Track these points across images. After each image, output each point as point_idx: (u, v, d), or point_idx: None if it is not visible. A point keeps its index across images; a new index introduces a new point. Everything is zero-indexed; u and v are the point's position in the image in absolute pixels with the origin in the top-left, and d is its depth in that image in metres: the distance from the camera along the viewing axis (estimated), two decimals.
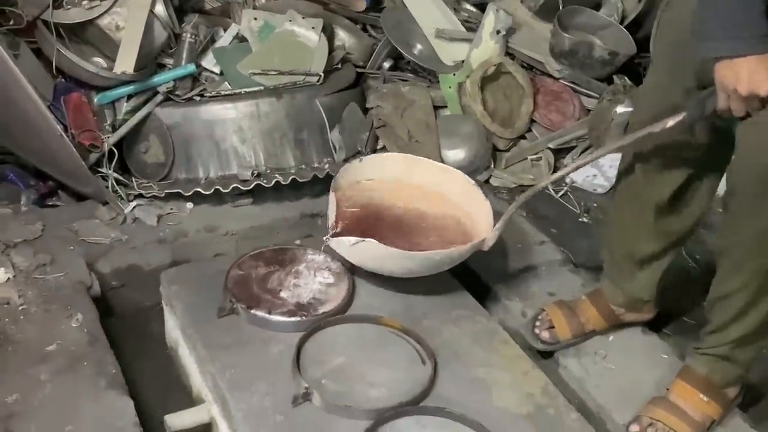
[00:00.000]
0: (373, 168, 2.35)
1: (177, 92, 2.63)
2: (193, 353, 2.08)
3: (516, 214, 2.76)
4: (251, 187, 2.56)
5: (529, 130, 3.11)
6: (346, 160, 2.71)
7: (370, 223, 2.26)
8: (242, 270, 2.20)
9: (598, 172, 3.03)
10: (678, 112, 1.73)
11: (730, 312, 1.80)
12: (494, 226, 2.14)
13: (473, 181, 2.37)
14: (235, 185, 2.55)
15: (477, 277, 2.44)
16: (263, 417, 1.82)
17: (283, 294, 2.13)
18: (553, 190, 2.94)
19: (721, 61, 1.54)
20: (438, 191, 2.37)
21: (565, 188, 2.95)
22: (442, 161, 2.85)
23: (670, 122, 1.73)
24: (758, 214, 1.65)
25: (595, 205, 2.91)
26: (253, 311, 2.06)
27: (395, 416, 1.83)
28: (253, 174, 2.58)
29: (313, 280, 2.19)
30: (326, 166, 2.67)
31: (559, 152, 3.10)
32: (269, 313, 2.06)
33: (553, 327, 2.14)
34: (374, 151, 2.82)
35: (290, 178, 2.58)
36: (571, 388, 2.13)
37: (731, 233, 1.75)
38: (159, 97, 2.62)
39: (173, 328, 2.22)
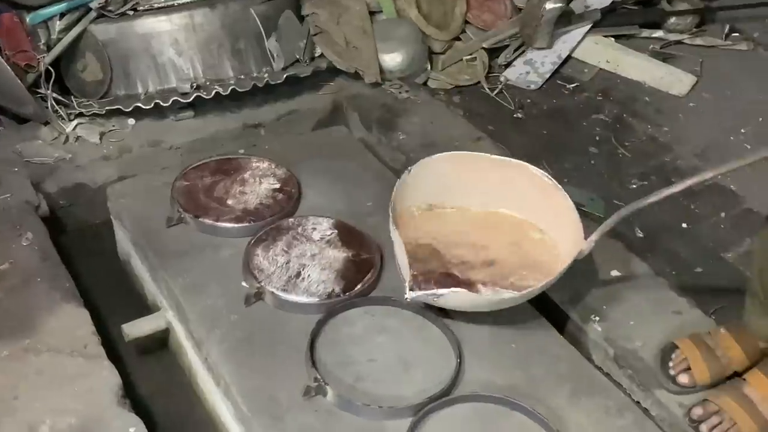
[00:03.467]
0: (425, 183, 2.09)
1: (110, 7, 2.59)
2: (146, 263, 2.14)
3: (453, 113, 2.84)
4: (191, 99, 2.57)
5: (464, 31, 3.15)
6: (284, 68, 2.73)
7: (438, 254, 2.01)
8: (188, 181, 2.25)
9: (530, 69, 3.10)
10: None
11: None
12: (588, 237, 1.90)
13: (545, 175, 2.07)
14: (175, 98, 2.56)
15: None
16: (218, 317, 1.91)
17: (230, 201, 2.19)
18: (488, 88, 3.01)
19: None
20: (504, 195, 2.12)
21: (500, 86, 3.02)
22: (380, 65, 2.89)
23: None
24: None
25: (529, 101, 2.99)
26: (201, 219, 2.13)
27: (345, 308, 1.93)
28: (192, 86, 2.59)
29: (259, 187, 2.25)
30: (265, 75, 2.68)
31: (494, 51, 3.15)
32: (217, 220, 2.13)
33: (689, 369, 1.84)
34: (312, 58, 2.84)
35: (230, 89, 2.60)
36: None
37: None
38: (92, 14, 2.58)
39: (124, 240, 2.28)
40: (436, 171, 2.09)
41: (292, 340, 1.84)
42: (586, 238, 1.89)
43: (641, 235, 2.38)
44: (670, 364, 1.85)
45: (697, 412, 1.75)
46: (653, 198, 1.84)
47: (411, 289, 1.81)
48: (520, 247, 2.05)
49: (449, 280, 1.90)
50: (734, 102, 3.10)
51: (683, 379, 1.83)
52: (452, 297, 1.83)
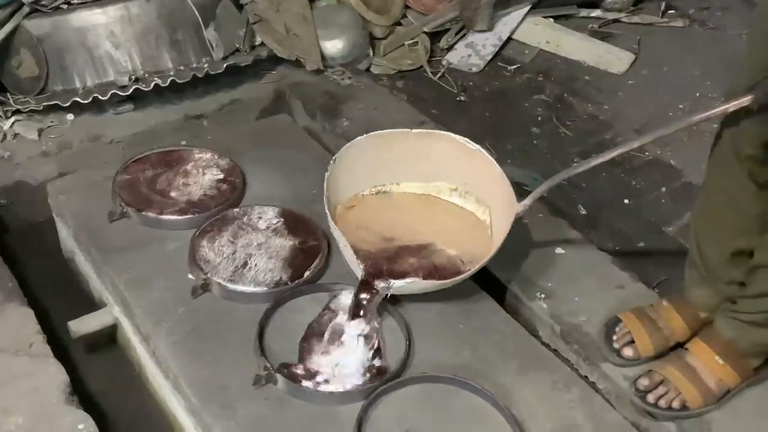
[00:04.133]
0: (355, 169, 2.07)
1: (43, 1, 2.55)
2: (89, 259, 2.12)
3: (396, 98, 2.85)
4: (130, 92, 2.54)
5: (404, 15, 3.16)
6: (224, 58, 2.71)
7: (383, 241, 2.02)
8: (129, 174, 2.23)
9: (472, 52, 3.12)
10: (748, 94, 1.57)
11: None
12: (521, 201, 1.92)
13: (467, 141, 2.08)
14: (113, 92, 2.52)
15: None
16: (165, 311, 1.90)
17: (173, 194, 2.17)
18: (431, 72, 3.02)
19: None
20: (434, 167, 2.13)
21: (442, 70, 3.03)
22: (321, 52, 2.88)
23: (738, 103, 1.57)
24: None
25: (471, 83, 3.01)
26: (144, 213, 2.10)
27: (293, 296, 1.93)
28: (130, 79, 2.56)
29: (202, 178, 2.24)
30: (205, 65, 2.66)
31: (435, 36, 3.17)
32: (161, 213, 2.11)
33: (633, 342, 1.86)
34: (252, 47, 2.82)
35: (169, 80, 2.57)
36: None
37: None
38: (25, 9, 2.53)
39: (67, 238, 2.24)
40: (363, 154, 2.08)
41: (241, 330, 1.84)
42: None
43: (584, 213, 2.42)
44: (614, 337, 1.88)
45: (643, 382, 1.77)
46: (583, 166, 1.86)
47: (365, 285, 1.84)
48: (458, 220, 2.11)
49: (396, 267, 1.91)
50: (671, 78, 3.16)
51: (627, 351, 1.85)
52: (405, 287, 1.86)
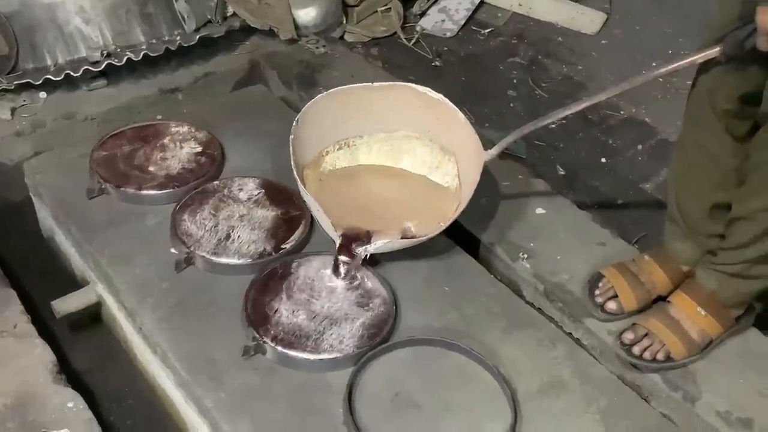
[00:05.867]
0: (319, 128, 2.07)
1: None
2: (70, 237, 2.10)
3: (372, 65, 2.84)
4: (103, 68, 2.51)
5: None
6: (197, 30, 2.68)
7: (356, 201, 2.06)
8: (106, 151, 2.21)
9: (445, 17, 3.11)
10: (716, 45, 1.57)
11: (753, 231, 1.66)
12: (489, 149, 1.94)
13: (429, 91, 2.07)
14: (85, 68, 2.49)
15: None
16: (149, 286, 1.89)
17: (151, 168, 2.16)
18: (405, 38, 3.01)
19: (765, 5, 1.41)
20: (398, 119, 2.12)
21: (416, 36, 3.02)
22: (294, 21, 2.86)
23: (705, 54, 1.58)
24: None
25: (446, 48, 3.01)
26: (122, 189, 2.09)
27: (275, 260, 1.92)
28: (102, 54, 2.52)
29: (180, 152, 2.22)
30: (178, 38, 2.63)
31: (408, 2, 3.16)
32: (140, 188, 2.10)
33: (616, 296, 1.88)
34: (225, 18, 2.79)
35: (142, 54, 2.54)
36: None
37: (763, 148, 1.60)
38: None
39: (46, 217, 2.23)
40: (325, 112, 2.07)
41: (227, 302, 1.84)
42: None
43: (563, 173, 2.43)
44: (597, 292, 1.90)
45: (628, 336, 1.79)
46: (551, 118, 1.88)
47: (344, 248, 1.87)
48: (428, 173, 2.14)
49: (372, 228, 1.92)
50: (644, 36, 3.17)
51: (611, 305, 1.87)
52: (383, 246, 1.88)
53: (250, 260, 1.92)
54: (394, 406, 1.66)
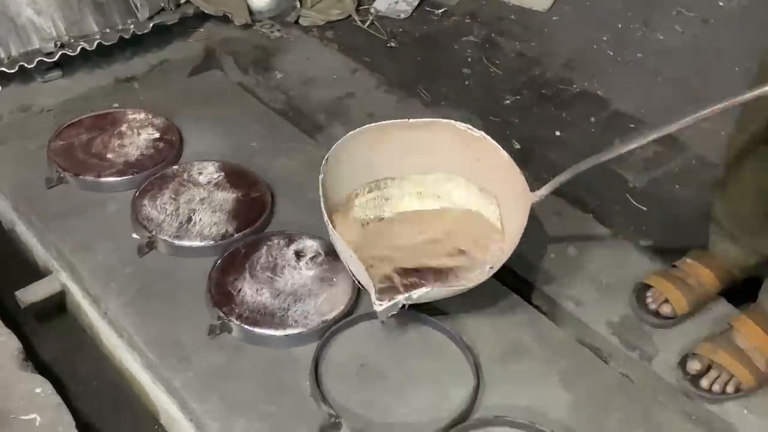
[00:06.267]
0: (345, 169, 1.89)
1: None
2: (31, 228, 2.10)
3: (328, 48, 2.86)
4: (57, 58, 2.49)
5: None
6: (150, 18, 2.67)
7: (389, 245, 1.91)
8: (63, 140, 2.21)
9: None
10: None
11: None
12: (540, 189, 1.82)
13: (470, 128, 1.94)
14: (39, 59, 2.47)
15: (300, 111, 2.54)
16: (112, 272, 1.90)
17: (109, 156, 2.16)
18: (360, 20, 3.03)
19: None
20: (436, 160, 1.97)
21: (371, 18, 3.04)
22: (248, 6, 2.87)
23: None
24: None
25: (401, 30, 3.03)
26: (81, 177, 2.09)
27: (238, 241, 1.95)
28: (56, 45, 2.51)
29: (138, 138, 2.23)
30: (131, 26, 2.62)
31: None
32: (99, 176, 2.10)
33: (667, 301, 1.85)
34: (178, 5, 2.78)
35: (95, 43, 2.53)
36: None
37: None
38: None
39: (6, 209, 2.21)
40: (356, 151, 1.91)
41: (191, 285, 1.86)
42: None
43: (518, 147, 2.47)
44: (648, 300, 1.87)
45: (694, 366, 1.73)
46: (611, 154, 1.76)
47: (380, 301, 1.66)
48: (467, 218, 1.98)
49: (408, 275, 1.81)
50: (594, 12, 3.23)
51: (665, 309, 1.84)
52: (425, 295, 1.71)
53: (213, 242, 1.94)
54: (360, 377, 1.70)
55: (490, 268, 1.79)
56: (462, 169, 1.97)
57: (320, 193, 1.78)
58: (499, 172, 1.90)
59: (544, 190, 1.81)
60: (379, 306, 1.65)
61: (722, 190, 1.86)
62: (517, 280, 1.99)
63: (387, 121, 1.95)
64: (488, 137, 1.91)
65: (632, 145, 1.70)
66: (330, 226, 1.75)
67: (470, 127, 1.93)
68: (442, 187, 2.00)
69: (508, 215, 1.91)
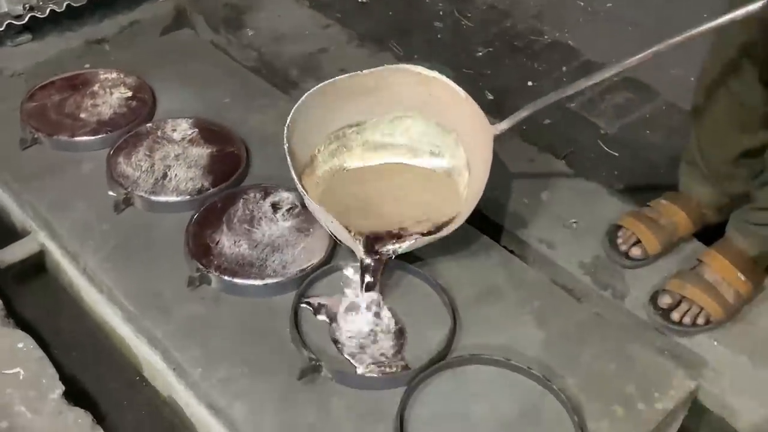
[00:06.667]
0: (305, 130, 1.88)
1: None
2: (6, 189, 2.11)
3: (299, 4, 2.86)
4: (26, 21, 2.48)
5: None
6: None
7: (366, 197, 1.94)
8: (36, 102, 2.21)
9: None
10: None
11: None
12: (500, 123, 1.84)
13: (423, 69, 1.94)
14: (8, 22, 2.46)
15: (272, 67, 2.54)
16: (90, 229, 1.92)
17: (83, 115, 2.17)
18: None
19: None
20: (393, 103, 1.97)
21: None
22: None
23: (747, 11, 1.46)
24: None
25: None
26: (56, 137, 2.10)
27: (214, 195, 1.97)
28: (24, 8, 2.50)
29: (110, 98, 2.23)
30: None
31: None
32: (73, 135, 2.11)
33: (639, 242, 1.88)
34: None
35: (65, 5, 2.52)
36: None
37: None
38: None
39: None
40: (313, 111, 1.90)
41: (169, 239, 1.88)
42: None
43: (491, 97, 2.50)
44: (619, 241, 1.89)
45: (665, 300, 1.77)
46: (570, 90, 1.79)
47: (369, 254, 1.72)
48: (432, 160, 2.00)
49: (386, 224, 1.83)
50: None
51: (635, 251, 1.87)
52: (411, 244, 1.76)
53: (189, 197, 1.95)
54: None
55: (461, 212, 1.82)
56: (420, 108, 1.98)
57: (289, 163, 1.77)
58: (457, 109, 1.91)
59: (504, 124, 1.83)
60: (370, 262, 1.70)
61: (697, 131, 1.86)
62: (490, 226, 2.02)
63: (339, 77, 1.93)
64: (442, 76, 1.91)
65: (591, 81, 1.73)
66: (303, 192, 1.75)
67: (423, 68, 1.93)
68: (401, 125, 2.01)
69: (471, 151, 1.93)
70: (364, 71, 1.94)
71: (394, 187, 1.98)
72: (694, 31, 1.51)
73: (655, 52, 1.57)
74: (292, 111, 1.85)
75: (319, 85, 1.91)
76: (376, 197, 1.95)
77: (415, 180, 2.00)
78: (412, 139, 2.02)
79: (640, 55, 1.60)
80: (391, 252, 1.74)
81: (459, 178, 1.95)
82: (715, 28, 1.50)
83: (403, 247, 1.75)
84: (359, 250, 1.74)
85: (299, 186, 1.76)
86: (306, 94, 1.89)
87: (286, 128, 1.82)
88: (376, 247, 1.75)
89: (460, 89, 1.89)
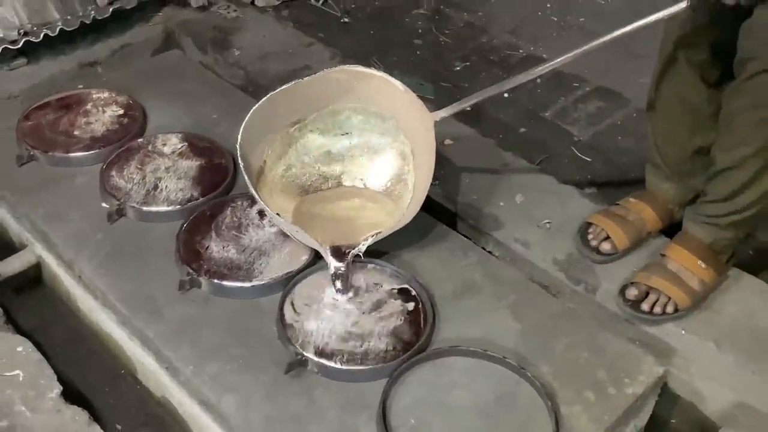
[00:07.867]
0: (254, 140, 1.96)
1: None
2: (4, 204, 2.20)
3: (283, 25, 2.96)
4: (21, 45, 2.58)
5: None
6: (110, 3, 2.76)
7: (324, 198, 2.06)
8: (31, 120, 2.30)
9: None
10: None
11: (742, 178, 1.71)
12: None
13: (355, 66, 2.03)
14: (4, 47, 2.56)
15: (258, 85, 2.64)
16: (84, 238, 2.01)
17: (76, 132, 2.26)
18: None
19: None
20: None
21: None
22: None
23: (672, 11, 1.61)
24: None
25: (354, 5, 3.14)
26: (50, 153, 2.19)
27: (203, 204, 2.05)
28: (20, 33, 2.59)
29: (103, 115, 2.33)
30: (91, 12, 2.70)
31: None
32: (67, 151, 2.20)
33: (608, 237, 1.96)
34: None
35: (58, 29, 2.61)
36: None
37: (743, 95, 1.63)
38: None
39: None
40: (259, 120, 1.95)
41: (160, 246, 1.96)
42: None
43: (469, 109, 2.57)
44: (590, 237, 1.97)
45: (632, 292, 1.85)
46: (507, 86, 2.00)
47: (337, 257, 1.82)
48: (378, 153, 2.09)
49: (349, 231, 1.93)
50: None
51: (605, 246, 1.95)
52: (373, 241, 1.86)
53: (179, 206, 2.04)
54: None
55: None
56: (359, 100, 2.04)
57: (247, 181, 1.84)
58: (396, 100, 1.99)
59: (444, 112, 1.94)
60: (341, 267, 1.81)
61: (653, 134, 1.97)
62: (467, 228, 2.11)
63: (279, 89, 1.96)
64: (379, 72, 1.99)
65: (528, 77, 1.95)
66: (262, 202, 1.84)
67: (360, 66, 2.01)
68: (340, 116, 2.07)
69: (412, 137, 2.02)
70: (306, 78, 2.00)
71: (348, 209, 2.06)
72: (623, 30, 1.70)
73: (586, 51, 1.79)
74: (241, 130, 1.90)
75: (263, 99, 1.96)
76: (331, 218, 2.03)
77: (366, 202, 2.08)
78: (353, 126, 2.08)
79: (572, 53, 1.82)
80: (356, 252, 1.84)
81: (406, 166, 2.04)
82: (643, 27, 1.66)
83: (365, 244, 1.84)
84: (328, 257, 1.83)
85: (257, 197, 1.84)
86: (251, 110, 1.93)
87: (238, 147, 1.88)
88: (342, 250, 1.84)
89: (399, 82, 1.97)
